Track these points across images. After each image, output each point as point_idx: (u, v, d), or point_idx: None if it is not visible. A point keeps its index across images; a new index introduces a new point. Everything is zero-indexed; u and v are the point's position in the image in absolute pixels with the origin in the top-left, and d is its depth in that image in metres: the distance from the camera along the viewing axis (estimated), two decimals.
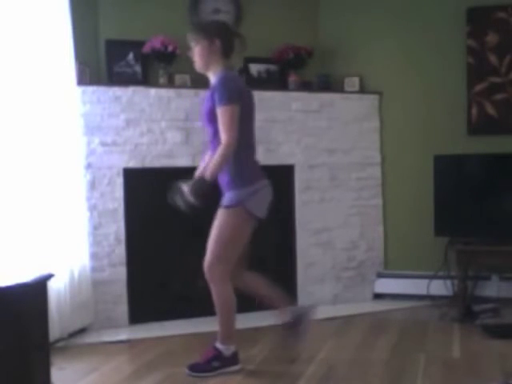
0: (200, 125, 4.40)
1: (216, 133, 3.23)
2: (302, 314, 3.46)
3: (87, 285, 4.08)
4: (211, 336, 3.37)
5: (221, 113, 3.15)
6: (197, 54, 3.30)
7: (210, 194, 3.17)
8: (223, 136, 3.16)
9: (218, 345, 3.30)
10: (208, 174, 3.18)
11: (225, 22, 3.43)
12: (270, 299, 3.47)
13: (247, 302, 4.42)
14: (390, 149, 4.91)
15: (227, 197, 3.26)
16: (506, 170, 4.44)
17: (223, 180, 3.29)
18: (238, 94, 3.21)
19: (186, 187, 3.18)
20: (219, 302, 3.27)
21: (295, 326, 3.43)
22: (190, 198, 3.15)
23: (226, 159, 3.19)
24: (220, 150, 3.17)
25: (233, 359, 3.31)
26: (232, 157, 3.20)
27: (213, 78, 3.30)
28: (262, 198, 3.30)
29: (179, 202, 3.23)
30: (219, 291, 3.26)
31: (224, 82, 3.20)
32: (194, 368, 3.29)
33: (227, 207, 3.24)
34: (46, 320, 2.73)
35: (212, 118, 3.22)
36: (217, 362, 3.28)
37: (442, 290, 4.62)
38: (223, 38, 3.29)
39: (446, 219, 4.52)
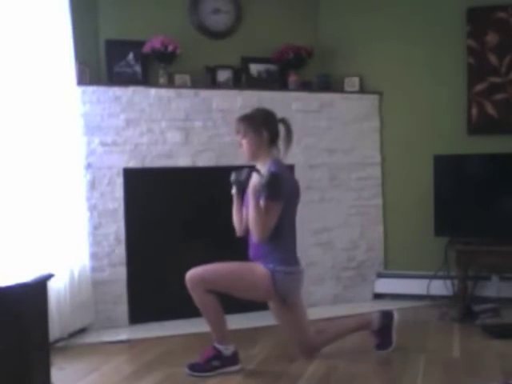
0: (200, 125, 4.42)
1: None
2: (385, 320, 3.55)
3: (87, 285, 4.09)
4: (211, 336, 3.37)
5: (265, 206, 3.18)
6: (245, 145, 3.34)
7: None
8: (256, 232, 3.20)
9: (217, 345, 3.31)
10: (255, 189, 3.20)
11: (270, 112, 3.42)
12: (352, 331, 3.60)
13: (247, 302, 4.44)
14: (390, 149, 4.91)
15: (263, 262, 3.29)
16: (506, 170, 4.44)
17: (258, 252, 3.32)
18: (287, 188, 3.24)
19: (259, 177, 3.18)
20: (202, 309, 3.29)
21: (386, 333, 3.52)
22: (262, 186, 3.16)
23: (253, 224, 3.20)
24: (259, 223, 3.18)
25: (233, 359, 3.32)
26: (275, 240, 3.24)
27: (261, 167, 3.32)
28: (294, 283, 3.35)
29: (239, 183, 3.29)
30: (199, 299, 3.27)
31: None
32: (194, 367, 3.29)
33: (260, 263, 3.28)
34: (46, 320, 2.73)
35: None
36: (217, 361, 3.28)
37: (442, 290, 4.63)
38: (270, 128, 3.33)
39: (446, 219, 4.52)
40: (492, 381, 3.04)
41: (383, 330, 3.53)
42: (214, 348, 3.30)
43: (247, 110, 3.46)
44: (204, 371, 3.26)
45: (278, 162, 3.33)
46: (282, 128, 3.40)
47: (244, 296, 3.36)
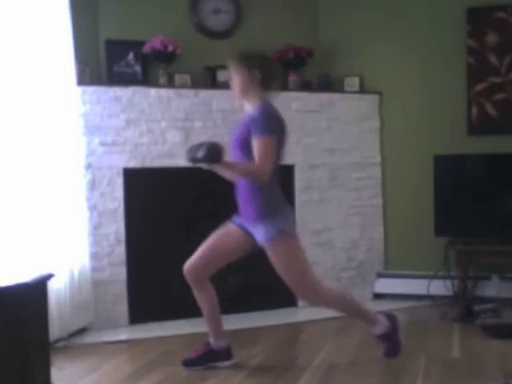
0: (200, 125, 4.42)
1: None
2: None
3: (87, 285, 4.09)
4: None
5: (259, 143, 3.11)
6: (235, 82, 3.29)
7: (217, 159, 3.09)
8: (258, 164, 3.11)
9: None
10: (228, 162, 3.12)
11: (265, 54, 3.41)
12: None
13: (247, 303, 4.44)
14: (390, 149, 4.91)
15: (264, 230, 3.20)
16: (506, 170, 4.44)
17: (249, 209, 3.25)
18: (279, 128, 3.21)
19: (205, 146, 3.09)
20: (337, 307, 3.39)
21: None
22: (202, 155, 3.07)
23: (249, 178, 3.17)
24: (252, 169, 3.12)
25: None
26: (263, 188, 3.19)
27: (249, 107, 3.28)
28: (292, 218, 3.33)
29: (192, 155, 3.14)
30: (328, 301, 3.33)
31: (266, 113, 3.17)
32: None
33: (273, 240, 3.19)
34: (46, 320, 2.73)
35: (244, 147, 3.18)
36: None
37: (442, 290, 4.62)
38: (263, 69, 3.28)
39: (446, 219, 4.52)
40: (492, 381, 3.04)
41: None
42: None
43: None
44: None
45: (266, 103, 3.25)
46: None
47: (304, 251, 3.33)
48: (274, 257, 3.21)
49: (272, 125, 3.15)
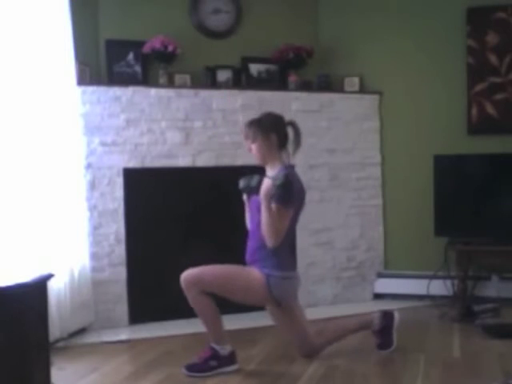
0: (200, 125, 4.42)
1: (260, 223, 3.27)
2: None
3: (87, 285, 4.09)
4: (208, 336, 3.38)
5: (276, 212, 3.17)
6: (254, 149, 3.34)
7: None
8: (269, 237, 3.19)
9: (213, 345, 3.31)
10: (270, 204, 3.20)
11: (278, 116, 3.43)
12: (352, 332, 3.61)
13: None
14: (390, 149, 4.91)
15: (259, 266, 3.28)
16: (506, 170, 4.44)
17: (254, 257, 3.33)
18: (297, 198, 3.26)
19: (272, 181, 3.20)
20: (197, 309, 3.29)
21: (386, 333, 3.56)
22: (276, 188, 3.17)
23: (268, 231, 3.20)
24: (274, 229, 3.19)
25: (230, 359, 3.32)
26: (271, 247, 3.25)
27: (271, 171, 3.33)
28: (289, 288, 3.34)
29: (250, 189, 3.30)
30: (194, 299, 3.26)
31: (287, 182, 3.19)
32: (192, 368, 3.29)
33: (256, 267, 3.28)
34: (45, 320, 2.73)
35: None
36: (214, 361, 3.29)
37: (442, 290, 4.62)
38: (278, 131, 3.34)
39: (446, 219, 4.52)
40: (492, 381, 3.04)
41: (384, 330, 3.54)
42: (211, 348, 3.31)
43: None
44: (201, 371, 3.26)
45: (289, 169, 3.30)
46: (290, 131, 3.41)
47: (239, 299, 3.35)
48: (237, 268, 3.33)
49: (291, 197, 3.20)
